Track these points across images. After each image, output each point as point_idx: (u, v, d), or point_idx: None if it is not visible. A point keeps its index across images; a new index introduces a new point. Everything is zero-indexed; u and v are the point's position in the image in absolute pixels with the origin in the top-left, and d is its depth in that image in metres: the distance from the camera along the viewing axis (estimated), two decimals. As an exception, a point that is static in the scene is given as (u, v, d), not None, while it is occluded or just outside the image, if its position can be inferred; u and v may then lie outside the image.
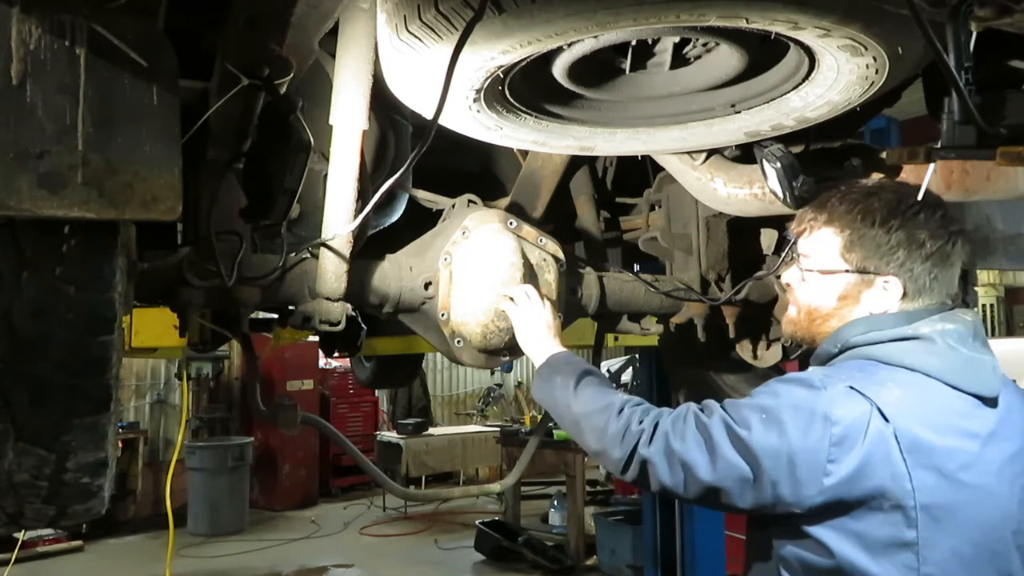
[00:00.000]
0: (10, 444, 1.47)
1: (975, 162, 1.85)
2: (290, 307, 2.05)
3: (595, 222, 2.68)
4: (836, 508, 1.34)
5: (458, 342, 2.12)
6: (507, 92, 1.69)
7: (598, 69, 1.74)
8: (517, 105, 1.76)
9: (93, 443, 1.52)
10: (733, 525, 5.36)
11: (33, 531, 6.56)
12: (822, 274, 1.52)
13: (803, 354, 1.63)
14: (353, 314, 2.06)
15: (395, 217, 2.39)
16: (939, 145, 1.41)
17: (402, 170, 1.78)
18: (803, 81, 1.67)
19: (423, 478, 9.71)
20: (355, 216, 1.88)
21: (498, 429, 9.33)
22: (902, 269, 1.45)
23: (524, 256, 2.12)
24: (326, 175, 1.87)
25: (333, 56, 1.79)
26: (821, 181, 1.88)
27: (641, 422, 1.49)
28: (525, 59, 1.51)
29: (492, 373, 11.82)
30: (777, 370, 2.82)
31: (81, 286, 1.41)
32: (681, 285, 2.58)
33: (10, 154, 1.24)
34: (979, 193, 1.94)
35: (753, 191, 2.21)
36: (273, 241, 1.99)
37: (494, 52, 1.45)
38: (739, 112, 1.84)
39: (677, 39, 1.62)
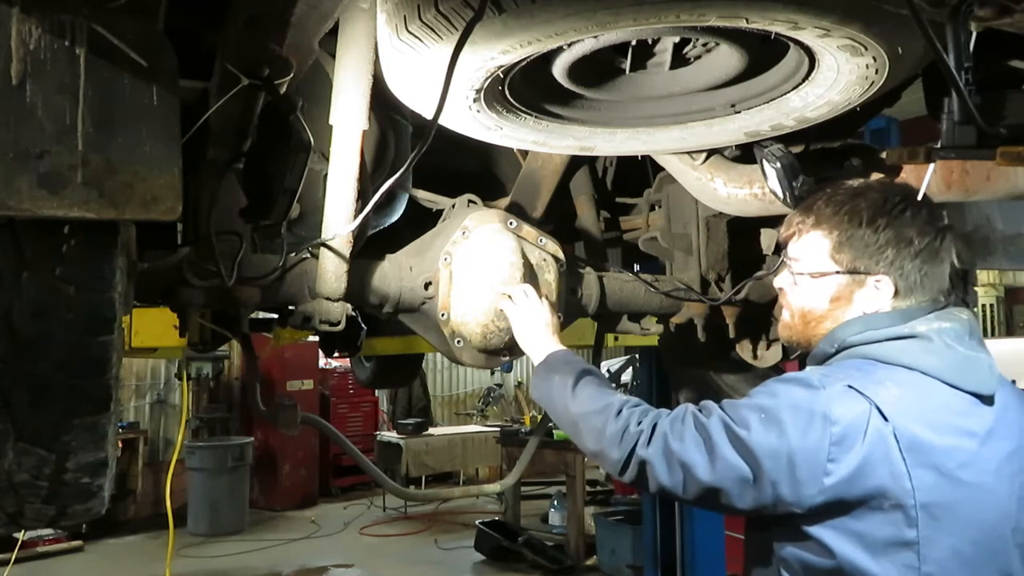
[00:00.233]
0: (10, 444, 1.47)
1: (975, 162, 1.85)
2: (290, 307, 2.05)
3: (595, 222, 2.68)
4: (836, 508, 1.34)
5: (458, 342, 2.12)
6: (507, 92, 1.69)
7: (598, 69, 1.74)
8: (517, 105, 1.76)
9: (93, 443, 1.52)
10: (733, 525, 5.36)
11: (33, 531, 6.56)
12: (813, 277, 1.52)
13: (803, 354, 1.62)
14: (353, 314, 2.06)
15: (395, 217, 2.39)
16: (939, 145, 1.41)
17: (402, 170, 1.78)
18: (803, 81, 1.67)
19: (423, 478, 9.71)
20: (355, 216, 1.88)
21: (498, 429, 9.33)
22: (892, 267, 1.46)
23: (524, 256, 2.12)
24: (326, 175, 1.87)
25: (333, 56, 1.79)
26: (821, 181, 1.88)
27: (640, 423, 1.48)
28: (525, 59, 1.51)
29: (492, 373, 11.82)
30: (777, 370, 2.83)
31: (81, 286, 1.41)
32: (681, 285, 2.58)
33: (10, 154, 1.24)
34: (979, 193, 1.94)
35: (753, 191, 2.22)
36: (273, 241, 1.99)
37: (494, 52, 1.45)
38: (739, 112, 1.84)
39: (677, 39, 1.62)
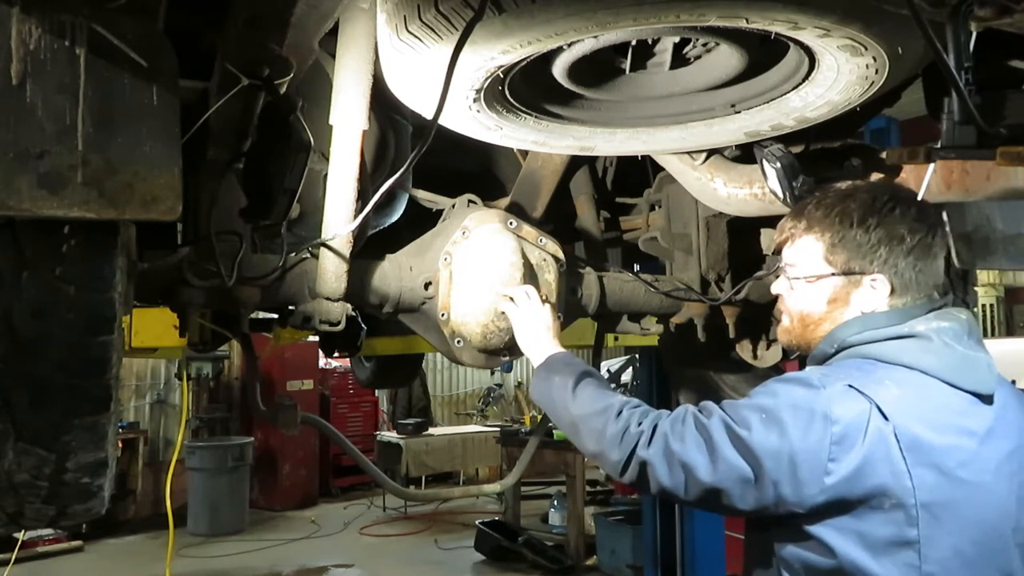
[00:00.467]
0: (10, 444, 1.47)
1: (975, 162, 1.85)
2: (290, 307, 2.05)
3: (595, 222, 2.68)
4: (837, 507, 1.34)
5: (458, 342, 2.12)
6: (507, 92, 1.69)
7: (598, 69, 1.74)
8: (517, 105, 1.76)
9: (93, 443, 1.52)
10: (733, 525, 5.36)
11: (33, 531, 6.56)
12: (809, 281, 1.53)
13: (803, 354, 1.62)
14: (353, 314, 2.06)
15: (395, 217, 2.39)
16: (939, 145, 1.41)
17: (402, 170, 1.78)
18: (803, 81, 1.67)
19: (423, 478, 9.71)
20: (355, 216, 1.88)
21: (498, 429, 9.33)
22: (886, 266, 1.46)
23: (524, 256, 2.12)
24: (326, 175, 1.87)
25: (333, 56, 1.79)
26: (821, 181, 1.88)
27: (640, 424, 1.48)
28: (525, 59, 1.51)
29: (492, 373, 11.82)
30: (777, 370, 2.83)
31: (81, 286, 1.41)
32: (681, 285, 2.58)
33: (10, 154, 1.24)
34: (979, 193, 1.94)
35: (753, 191, 2.22)
36: (273, 241, 1.98)
37: (494, 52, 1.45)
38: (739, 112, 1.84)
39: (677, 39, 1.62)
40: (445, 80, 1.46)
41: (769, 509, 1.38)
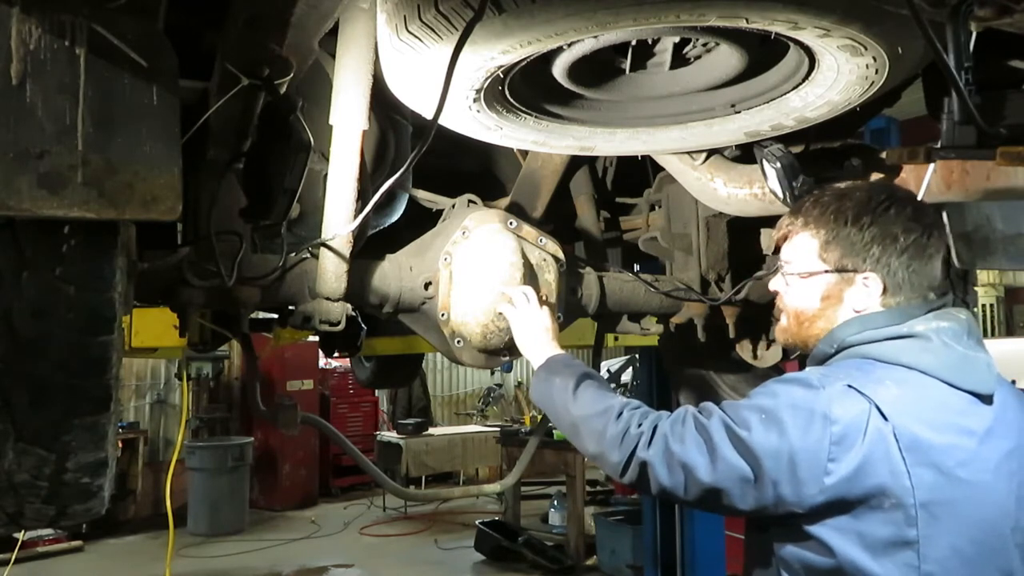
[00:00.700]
0: (10, 444, 1.47)
1: (975, 162, 1.85)
2: (290, 307, 2.05)
3: (595, 222, 2.68)
4: (837, 507, 1.34)
5: (458, 342, 2.12)
6: (507, 92, 1.69)
7: (598, 69, 1.74)
8: (517, 105, 1.76)
9: (93, 443, 1.52)
10: (733, 525, 5.36)
11: (33, 531, 6.56)
12: (802, 277, 1.54)
13: (803, 354, 1.63)
14: (353, 314, 2.06)
15: (395, 217, 2.39)
16: (939, 145, 1.41)
17: (402, 170, 1.78)
18: (803, 81, 1.67)
19: (423, 478, 9.70)
20: (355, 216, 1.88)
21: (498, 429, 9.33)
22: (879, 264, 1.47)
23: (524, 256, 2.12)
24: (326, 175, 1.87)
25: (333, 56, 1.79)
26: (821, 181, 1.88)
27: (640, 425, 1.49)
28: (525, 59, 1.51)
29: (492, 373, 11.82)
30: (777, 370, 2.83)
31: (81, 286, 1.41)
32: (681, 285, 2.58)
33: (10, 154, 1.24)
34: (979, 193, 1.94)
35: (753, 191, 2.22)
36: (273, 241, 1.98)
37: (494, 52, 1.45)
38: (739, 112, 1.84)
39: (677, 39, 1.62)
40: (445, 80, 1.46)
41: (769, 509, 1.38)
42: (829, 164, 2.14)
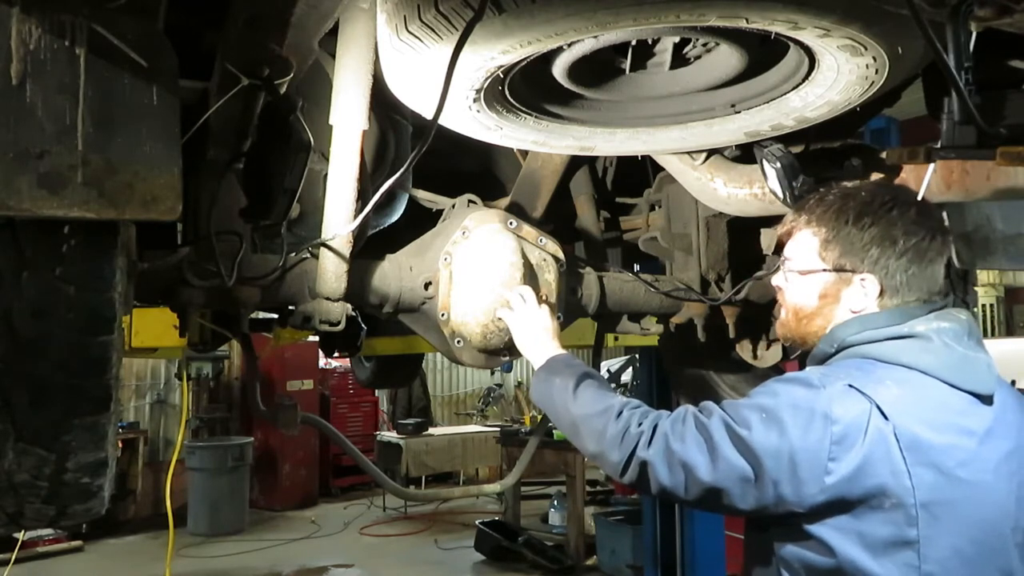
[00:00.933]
0: (10, 444, 1.47)
1: (975, 162, 1.85)
2: (290, 307, 2.05)
3: (595, 222, 2.68)
4: (837, 507, 1.34)
5: (458, 342, 2.12)
6: (507, 92, 1.69)
7: (598, 69, 1.74)
8: (517, 105, 1.76)
9: (93, 443, 1.52)
10: (733, 525, 5.36)
11: (33, 531, 6.56)
12: (802, 274, 1.54)
13: (803, 354, 1.63)
14: (353, 314, 2.06)
15: (395, 217, 2.39)
16: (939, 145, 1.41)
17: (402, 170, 1.78)
18: (803, 81, 1.67)
19: (423, 478, 9.70)
20: (355, 216, 1.88)
21: (498, 429, 9.33)
22: (877, 266, 1.46)
23: (524, 256, 2.12)
24: (326, 175, 1.87)
25: (333, 56, 1.79)
26: (821, 181, 1.88)
27: (640, 424, 1.49)
28: (525, 59, 1.51)
29: (492, 373, 11.82)
30: (777, 370, 2.83)
31: (81, 286, 1.41)
32: (681, 285, 2.58)
33: (10, 154, 1.24)
34: (979, 193, 1.94)
35: (753, 191, 2.22)
36: (273, 241, 1.98)
37: (494, 52, 1.45)
38: (739, 112, 1.84)
39: (677, 39, 1.62)
40: (445, 80, 1.46)
41: (769, 509, 1.38)
42: (829, 164, 2.14)
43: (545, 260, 2.20)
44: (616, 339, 3.90)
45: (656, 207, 2.75)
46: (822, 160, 2.19)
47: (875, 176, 2.04)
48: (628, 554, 6.62)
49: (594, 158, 2.75)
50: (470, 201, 2.25)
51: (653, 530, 5.66)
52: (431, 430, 10.00)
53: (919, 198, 1.54)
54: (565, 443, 7.07)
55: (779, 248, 1.64)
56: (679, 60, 1.72)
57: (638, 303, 2.54)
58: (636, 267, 2.96)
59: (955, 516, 1.34)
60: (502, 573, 7.21)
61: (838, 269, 1.49)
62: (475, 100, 1.68)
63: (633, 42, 1.60)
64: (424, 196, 2.42)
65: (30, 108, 1.25)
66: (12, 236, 1.38)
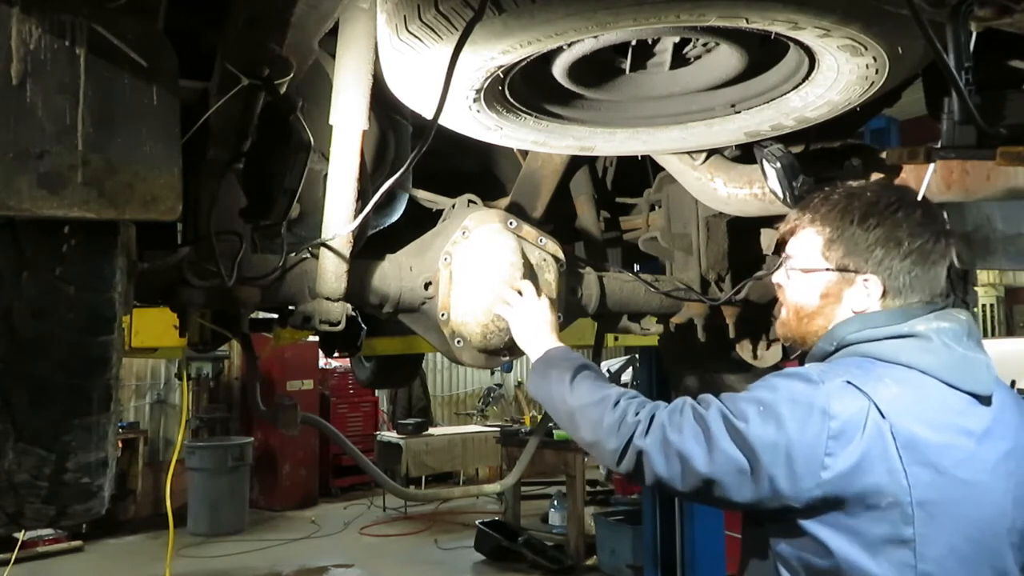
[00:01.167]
0: (10, 444, 1.46)
1: (975, 162, 1.85)
2: (290, 307, 2.05)
3: (595, 222, 2.68)
4: (833, 503, 1.34)
5: (458, 342, 2.12)
6: (507, 92, 1.69)
7: (598, 69, 1.74)
8: (517, 105, 1.76)
9: (93, 443, 1.52)
10: (733, 525, 5.36)
11: (33, 531, 6.56)
12: (804, 273, 1.54)
13: (803, 354, 1.63)
14: (353, 314, 2.06)
15: (395, 217, 2.39)
16: (939, 145, 1.41)
17: (402, 170, 1.78)
18: (803, 81, 1.67)
19: (423, 478, 9.70)
20: (355, 216, 1.88)
21: (498, 429, 9.33)
22: (880, 267, 1.46)
23: (524, 256, 2.12)
24: (326, 175, 1.87)
25: (333, 56, 1.79)
26: (821, 181, 1.88)
27: (637, 414, 1.49)
28: (525, 59, 1.51)
29: (492, 373, 11.82)
30: (777, 370, 2.82)
31: (81, 286, 1.41)
32: (681, 285, 2.58)
33: (10, 154, 1.24)
34: (979, 193, 1.94)
35: (753, 191, 2.22)
36: (273, 241, 1.98)
37: (494, 52, 1.45)
38: (739, 112, 1.84)
39: (677, 39, 1.62)
40: (445, 80, 1.46)
41: (765, 503, 1.38)
42: (829, 164, 2.14)
43: (545, 260, 2.20)
44: (616, 339, 3.91)
45: (656, 207, 2.75)
46: (822, 160, 2.19)
47: (875, 176, 2.04)
48: (628, 554, 6.62)
49: (594, 158, 2.75)
50: (470, 201, 2.25)
51: (653, 530, 5.66)
52: (431, 430, 10.00)
53: (919, 198, 1.54)
54: (565, 443, 7.09)
55: (780, 247, 1.63)
56: (679, 60, 1.72)
57: (638, 303, 2.54)
58: (636, 267, 2.96)
59: (952, 515, 1.34)
60: (502, 573, 7.21)
61: (841, 269, 1.49)
62: (475, 100, 1.68)
63: (633, 42, 1.60)
64: (424, 196, 2.42)
65: (30, 108, 1.25)
66: (12, 236, 1.38)
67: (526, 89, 1.75)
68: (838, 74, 1.60)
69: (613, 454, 1.50)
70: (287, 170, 1.84)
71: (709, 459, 1.38)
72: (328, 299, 1.96)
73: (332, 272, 1.94)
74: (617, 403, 1.53)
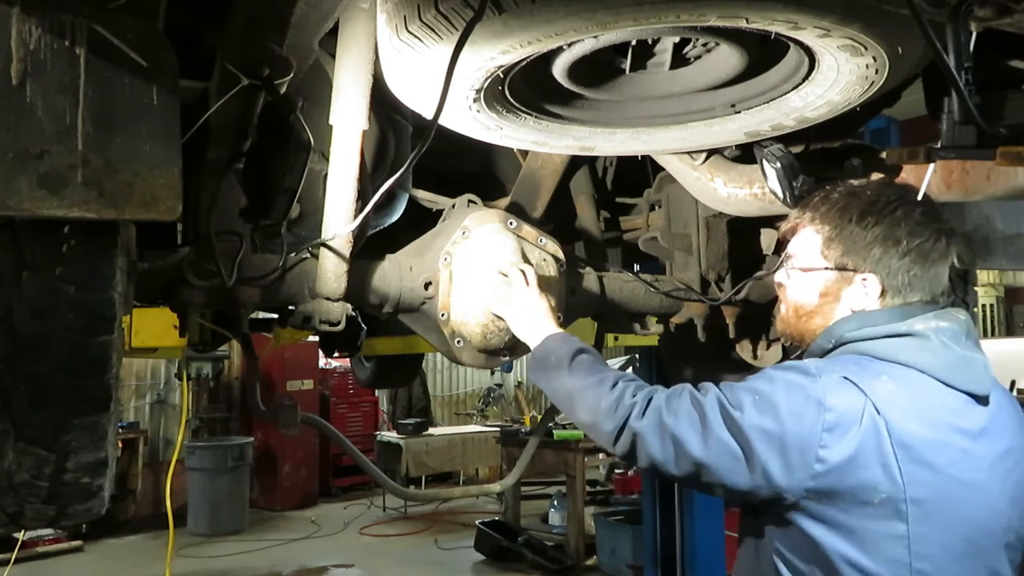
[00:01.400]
0: (10, 444, 1.46)
1: (975, 162, 1.85)
2: (290, 307, 2.05)
3: (595, 222, 2.68)
4: (827, 497, 1.34)
5: (458, 342, 2.12)
6: (507, 92, 1.69)
7: (598, 69, 1.74)
8: (517, 105, 1.76)
9: (93, 443, 1.52)
10: (733, 525, 5.35)
11: (33, 531, 6.56)
12: (803, 271, 1.54)
13: (802, 353, 1.63)
14: (353, 314, 2.06)
15: (395, 217, 2.39)
16: (939, 145, 1.41)
17: (402, 170, 1.78)
18: (803, 81, 1.67)
19: (423, 478, 9.70)
20: (355, 216, 1.88)
21: (498, 429, 9.32)
22: (879, 266, 1.46)
23: (524, 256, 2.12)
24: (326, 175, 1.87)
25: (333, 56, 1.79)
26: (821, 181, 1.88)
27: (634, 396, 1.50)
28: (525, 59, 1.51)
29: (492, 373, 11.81)
30: (777, 369, 2.82)
31: (81, 286, 1.41)
32: (681, 285, 2.58)
33: (10, 154, 1.24)
34: (979, 193, 1.94)
35: (753, 191, 2.22)
36: (273, 241, 1.98)
37: (494, 52, 1.45)
38: (739, 112, 1.84)
39: (677, 39, 1.62)
40: (445, 80, 1.46)
41: (758, 493, 1.38)
42: (829, 164, 2.14)
43: (545, 260, 2.20)
44: (616, 339, 3.90)
45: (656, 207, 2.75)
46: (822, 160, 2.19)
47: (875, 176, 2.04)
48: (628, 554, 6.62)
49: (594, 158, 2.75)
50: (470, 201, 2.25)
51: (653, 530, 5.66)
52: (431, 430, 10.00)
53: (919, 198, 1.53)
54: (565, 443, 7.09)
55: (780, 247, 1.64)
56: (679, 60, 1.72)
57: (638, 303, 2.54)
58: (636, 267, 2.96)
59: (947, 514, 1.34)
60: (502, 573, 7.21)
61: (840, 268, 1.50)
62: (475, 100, 1.68)
63: (633, 42, 1.60)
64: (424, 196, 2.43)
65: (30, 108, 1.25)
66: (12, 236, 1.38)
67: (526, 89, 1.75)
68: (838, 74, 1.60)
69: (609, 435, 1.52)
70: (287, 170, 1.84)
71: (703, 444, 1.39)
72: (328, 299, 1.96)
73: (332, 272, 1.94)
74: (615, 385, 1.55)
